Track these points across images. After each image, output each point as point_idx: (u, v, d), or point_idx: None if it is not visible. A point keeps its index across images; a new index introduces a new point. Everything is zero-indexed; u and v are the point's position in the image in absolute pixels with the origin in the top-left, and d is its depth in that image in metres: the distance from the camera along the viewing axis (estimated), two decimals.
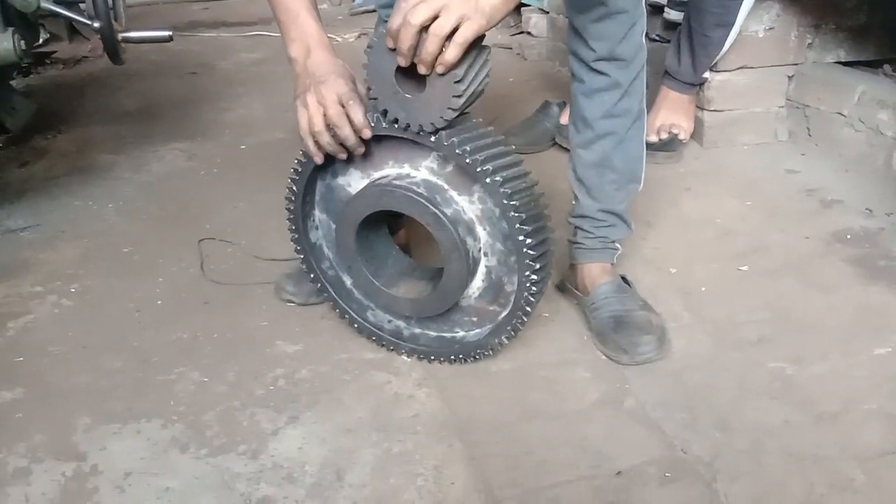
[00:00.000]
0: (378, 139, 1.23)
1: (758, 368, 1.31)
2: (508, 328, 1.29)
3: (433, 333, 1.38)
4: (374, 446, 1.18)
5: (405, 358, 1.38)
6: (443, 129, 1.15)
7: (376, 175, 1.29)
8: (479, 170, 1.16)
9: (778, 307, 1.48)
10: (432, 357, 1.36)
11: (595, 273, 1.46)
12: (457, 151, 1.15)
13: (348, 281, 1.41)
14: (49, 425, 1.25)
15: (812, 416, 1.20)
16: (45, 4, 1.74)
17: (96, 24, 1.79)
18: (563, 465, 1.13)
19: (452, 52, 1.05)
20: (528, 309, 1.26)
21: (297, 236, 1.39)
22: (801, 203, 1.89)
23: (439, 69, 1.07)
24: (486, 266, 1.29)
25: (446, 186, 1.24)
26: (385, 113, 1.17)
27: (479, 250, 1.27)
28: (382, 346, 1.39)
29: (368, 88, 1.18)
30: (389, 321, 1.39)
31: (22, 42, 1.74)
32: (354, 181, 1.32)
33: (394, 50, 1.08)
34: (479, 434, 1.20)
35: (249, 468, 1.15)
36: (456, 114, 1.13)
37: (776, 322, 1.43)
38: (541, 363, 1.36)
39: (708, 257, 1.67)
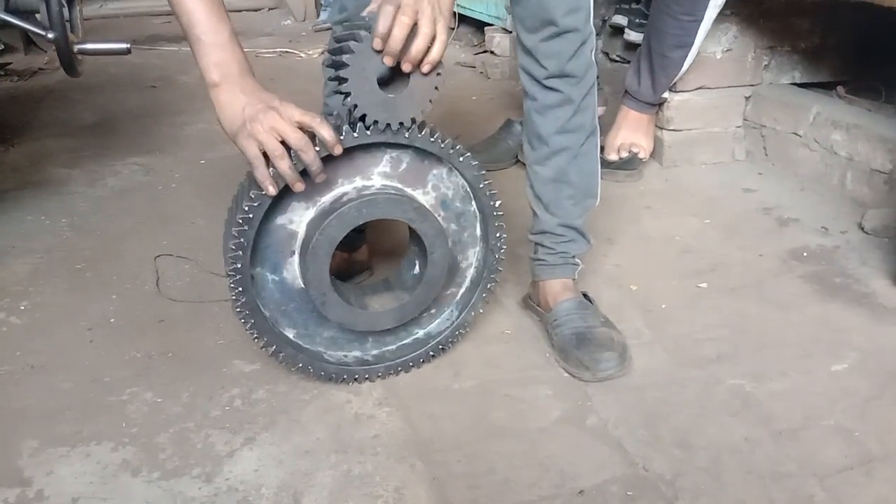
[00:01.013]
0: (321, 162, 1.17)
1: (718, 385, 1.32)
2: (483, 295, 1.37)
3: (394, 346, 1.36)
4: (333, 468, 1.15)
5: (380, 380, 1.35)
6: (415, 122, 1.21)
7: (325, 199, 1.23)
8: (451, 151, 1.25)
9: (737, 324, 1.49)
10: (410, 364, 1.36)
11: (557, 290, 1.46)
12: (431, 140, 1.22)
13: (291, 333, 1.30)
14: None
15: (771, 432, 1.20)
16: None
17: (51, 35, 1.75)
18: (526, 485, 1.11)
19: (439, 49, 1.12)
20: (500, 269, 1.37)
21: (244, 300, 1.21)
22: (759, 221, 1.92)
23: (426, 68, 1.13)
24: None
25: (401, 186, 1.27)
26: (363, 118, 1.17)
27: None
28: (355, 380, 1.34)
29: (345, 96, 1.15)
30: (346, 355, 1.35)
31: None
32: (297, 215, 1.23)
33: (378, 52, 1.11)
34: (440, 454, 1.18)
35: (204, 492, 1.11)
36: (431, 105, 1.18)
37: (735, 339, 1.45)
38: (503, 381, 1.35)
39: (668, 274, 1.68)
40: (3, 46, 3.50)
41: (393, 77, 1.17)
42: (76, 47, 1.85)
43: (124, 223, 1.97)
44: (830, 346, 1.42)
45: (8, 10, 1.75)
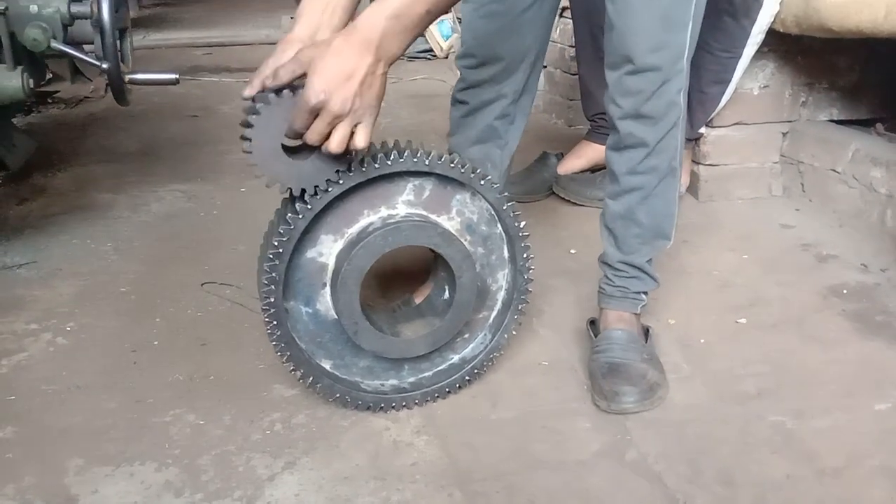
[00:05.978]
0: (346, 194, 1.21)
1: (759, 422, 1.30)
2: (515, 317, 1.38)
3: (430, 372, 1.37)
4: (373, 495, 1.16)
5: (418, 407, 1.36)
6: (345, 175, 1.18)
7: (353, 230, 1.25)
8: (472, 175, 1.26)
9: (777, 360, 1.48)
10: (447, 390, 1.37)
11: (610, 319, 1.46)
12: (452, 166, 1.24)
13: (327, 364, 1.32)
14: (40, 466, 1.22)
15: (815, 471, 1.19)
16: (55, 45, 1.76)
17: (105, 65, 1.81)
18: None
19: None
20: (529, 290, 1.38)
21: (279, 332, 1.25)
22: (797, 257, 1.91)
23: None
24: None
25: (425, 213, 1.29)
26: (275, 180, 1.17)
27: None
28: (392, 408, 1.34)
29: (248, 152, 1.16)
30: (382, 384, 1.35)
31: (30, 80, 1.76)
32: (326, 248, 1.26)
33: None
34: (480, 484, 1.18)
35: None
36: (339, 175, 1.17)
37: (776, 375, 1.43)
38: (541, 412, 1.35)
39: (706, 309, 1.67)
40: (51, 75, 3.61)
41: (302, 144, 1.15)
42: (127, 77, 1.91)
43: (167, 248, 2.02)
44: (873, 384, 1.40)
45: (65, 42, 1.81)
